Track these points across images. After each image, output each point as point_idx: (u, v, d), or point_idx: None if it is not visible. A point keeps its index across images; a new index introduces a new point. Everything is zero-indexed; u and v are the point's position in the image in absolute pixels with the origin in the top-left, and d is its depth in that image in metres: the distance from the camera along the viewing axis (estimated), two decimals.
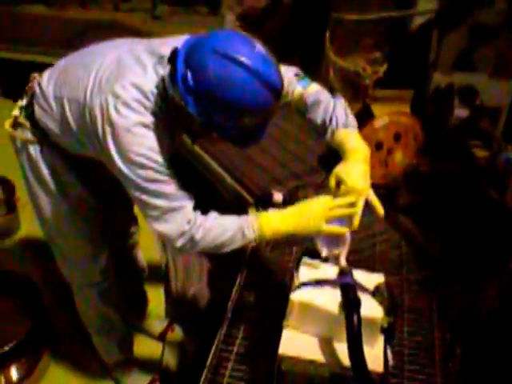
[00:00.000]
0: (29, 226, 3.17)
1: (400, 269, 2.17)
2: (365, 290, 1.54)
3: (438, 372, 1.76)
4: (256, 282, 2.09)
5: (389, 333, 1.57)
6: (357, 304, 1.46)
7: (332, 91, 1.79)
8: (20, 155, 1.85)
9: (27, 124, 1.79)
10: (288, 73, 1.77)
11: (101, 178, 1.86)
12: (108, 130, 1.54)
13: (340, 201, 1.61)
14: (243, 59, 1.40)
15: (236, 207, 2.69)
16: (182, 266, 2.90)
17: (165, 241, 1.69)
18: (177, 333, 2.54)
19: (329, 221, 1.63)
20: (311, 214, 1.61)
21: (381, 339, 1.55)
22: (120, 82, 1.56)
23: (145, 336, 2.63)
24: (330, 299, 1.52)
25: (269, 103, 1.47)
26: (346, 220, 1.65)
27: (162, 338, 2.55)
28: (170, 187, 1.59)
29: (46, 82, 1.76)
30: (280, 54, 3.93)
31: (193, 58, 1.44)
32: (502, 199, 2.49)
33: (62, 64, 1.82)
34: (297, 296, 1.53)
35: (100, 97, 1.57)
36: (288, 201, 2.46)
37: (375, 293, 1.55)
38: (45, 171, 1.83)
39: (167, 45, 1.60)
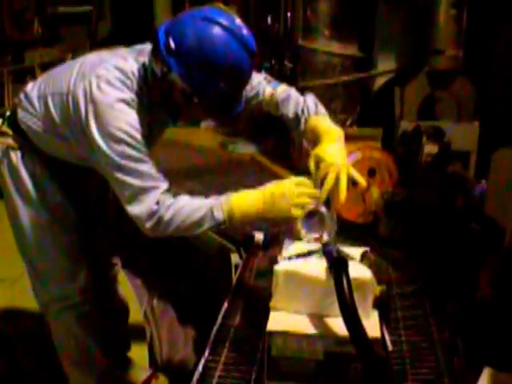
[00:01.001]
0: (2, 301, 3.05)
1: (390, 285, 2.11)
2: (351, 257, 1.49)
3: (444, 370, 1.65)
4: (240, 308, 2.02)
5: (383, 307, 1.50)
6: (343, 263, 1.40)
7: (302, 91, 1.88)
8: (1, 164, 1.86)
9: (9, 131, 1.83)
10: (258, 76, 1.88)
11: (81, 187, 1.87)
12: (91, 108, 1.59)
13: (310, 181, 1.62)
14: (222, 21, 1.52)
15: (219, 260, 2.66)
16: (166, 336, 2.77)
17: (138, 225, 1.65)
18: (162, 381, 2.36)
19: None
20: (281, 192, 1.61)
21: (375, 313, 1.47)
22: (103, 65, 1.65)
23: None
24: (316, 268, 1.46)
25: (245, 63, 1.56)
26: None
27: None
28: (145, 166, 1.61)
29: (31, 87, 1.84)
30: (257, 135, 4.13)
31: (173, 27, 1.56)
32: (481, 228, 2.49)
33: (46, 73, 1.91)
34: (281, 266, 1.47)
35: (83, 81, 1.64)
36: (269, 242, 2.44)
37: (363, 258, 1.50)
38: (25, 178, 1.83)
39: (145, 45, 1.73)
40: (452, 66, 2.94)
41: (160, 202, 1.61)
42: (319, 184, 1.63)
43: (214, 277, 2.64)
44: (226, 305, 2.02)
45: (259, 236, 2.47)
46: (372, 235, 2.48)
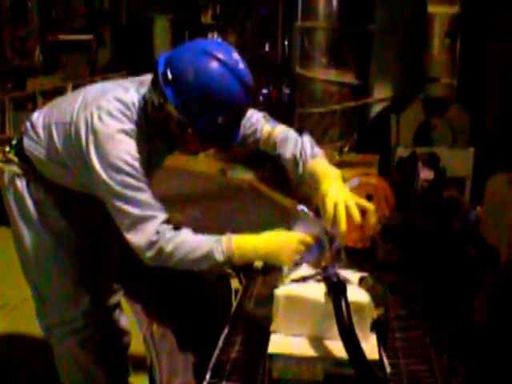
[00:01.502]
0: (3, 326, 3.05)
1: (388, 309, 2.14)
2: (349, 281, 1.53)
3: None
4: (241, 332, 2.03)
5: (381, 330, 1.53)
6: (342, 287, 1.44)
7: (300, 131, 1.91)
8: (7, 191, 1.91)
9: (15, 159, 1.89)
10: (257, 114, 1.93)
11: (84, 213, 1.93)
12: (91, 138, 1.64)
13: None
14: (220, 55, 1.55)
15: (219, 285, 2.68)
16: (166, 362, 2.78)
17: (138, 254, 1.68)
18: None
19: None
20: (285, 246, 1.65)
21: (373, 336, 1.50)
22: (104, 97, 1.70)
23: None
24: (315, 292, 1.49)
25: (241, 99, 1.59)
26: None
27: None
28: (144, 195, 1.64)
29: (36, 116, 1.90)
30: (256, 162, 4.20)
31: (173, 58, 1.60)
32: (478, 251, 2.52)
33: (51, 103, 1.97)
34: (281, 291, 1.50)
35: (85, 112, 1.69)
36: (269, 268, 2.46)
37: (361, 282, 1.53)
38: (30, 204, 1.88)
39: (147, 75, 1.77)
40: (447, 94, 3.01)
41: (160, 232, 1.63)
42: (331, 219, 1.66)
43: (214, 302, 2.66)
44: (226, 330, 2.04)
45: (259, 262, 2.50)
46: (369, 260, 2.51)
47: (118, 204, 1.63)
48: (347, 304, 1.39)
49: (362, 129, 3.45)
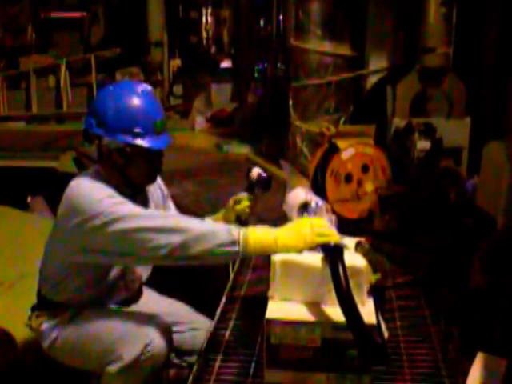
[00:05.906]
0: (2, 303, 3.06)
1: (386, 277, 2.15)
2: (346, 247, 1.53)
3: (439, 355, 1.68)
4: (239, 300, 2.05)
5: (378, 295, 1.54)
6: (339, 251, 1.44)
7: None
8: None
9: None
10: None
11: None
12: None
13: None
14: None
15: None
16: None
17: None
18: None
19: None
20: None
21: (370, 301, 1.51)
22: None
23: None
24: (312, 256, 1.50)
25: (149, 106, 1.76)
26: None
27: None
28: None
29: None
30: (252, 137, 4.23)
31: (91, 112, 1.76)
32: (475, 222, 2.52)
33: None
34: (278, 256, 1.51)
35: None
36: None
37: (357, 247, 1.54)
38: None
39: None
40: (443, 64, 2.98)
41: None
42: None
43: (212, 271, 2.67)
44: (224, 299, 2.05)
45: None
46: (367, 230, 2.52)
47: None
48: (344, 268, 1.39)
49: (358, 100, 3.43)
